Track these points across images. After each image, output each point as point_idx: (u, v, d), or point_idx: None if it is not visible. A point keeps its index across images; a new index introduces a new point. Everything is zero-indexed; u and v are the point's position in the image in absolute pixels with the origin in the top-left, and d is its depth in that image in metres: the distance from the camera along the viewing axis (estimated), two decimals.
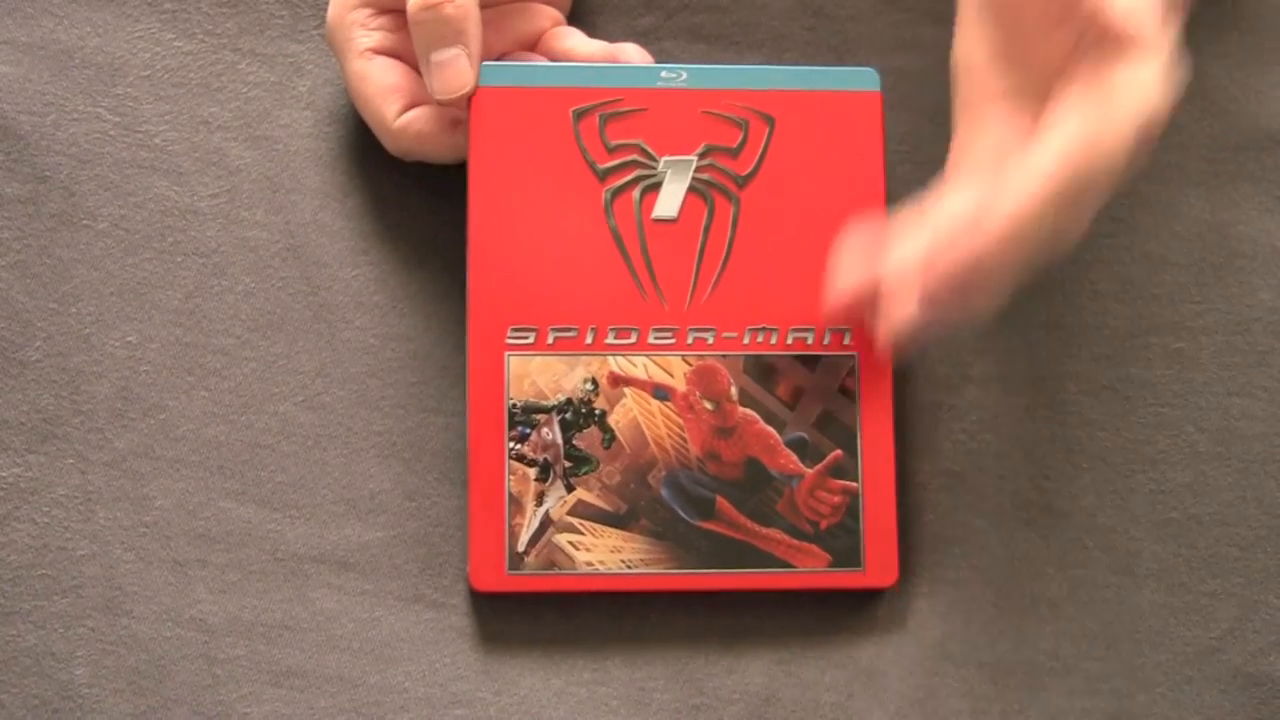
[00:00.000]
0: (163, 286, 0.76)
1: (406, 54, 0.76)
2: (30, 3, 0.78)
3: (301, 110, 0.79)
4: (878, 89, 0.76)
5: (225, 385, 0.75)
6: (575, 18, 0.80)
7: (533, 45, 0.78)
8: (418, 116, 0.75)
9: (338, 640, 0.73)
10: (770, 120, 0.76)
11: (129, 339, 0.75)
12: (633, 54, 0.77)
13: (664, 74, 0.76)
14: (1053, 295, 0.79)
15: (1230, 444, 0.78)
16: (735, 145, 0.75)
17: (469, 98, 0.74)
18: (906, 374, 0.77)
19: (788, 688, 0.74)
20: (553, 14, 0.79)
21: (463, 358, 0.76)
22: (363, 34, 0.75)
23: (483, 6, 0.76)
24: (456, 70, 0.73)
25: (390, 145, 0.76)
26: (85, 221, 0.76)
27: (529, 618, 0.74)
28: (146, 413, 0.75)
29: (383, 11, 0.75)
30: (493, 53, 0.77)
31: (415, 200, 0.78)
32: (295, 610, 0.73)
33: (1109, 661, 0.75)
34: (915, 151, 0.80)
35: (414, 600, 0.74)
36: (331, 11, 0.76)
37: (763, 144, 0.75)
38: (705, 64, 0.79)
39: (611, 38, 0.80)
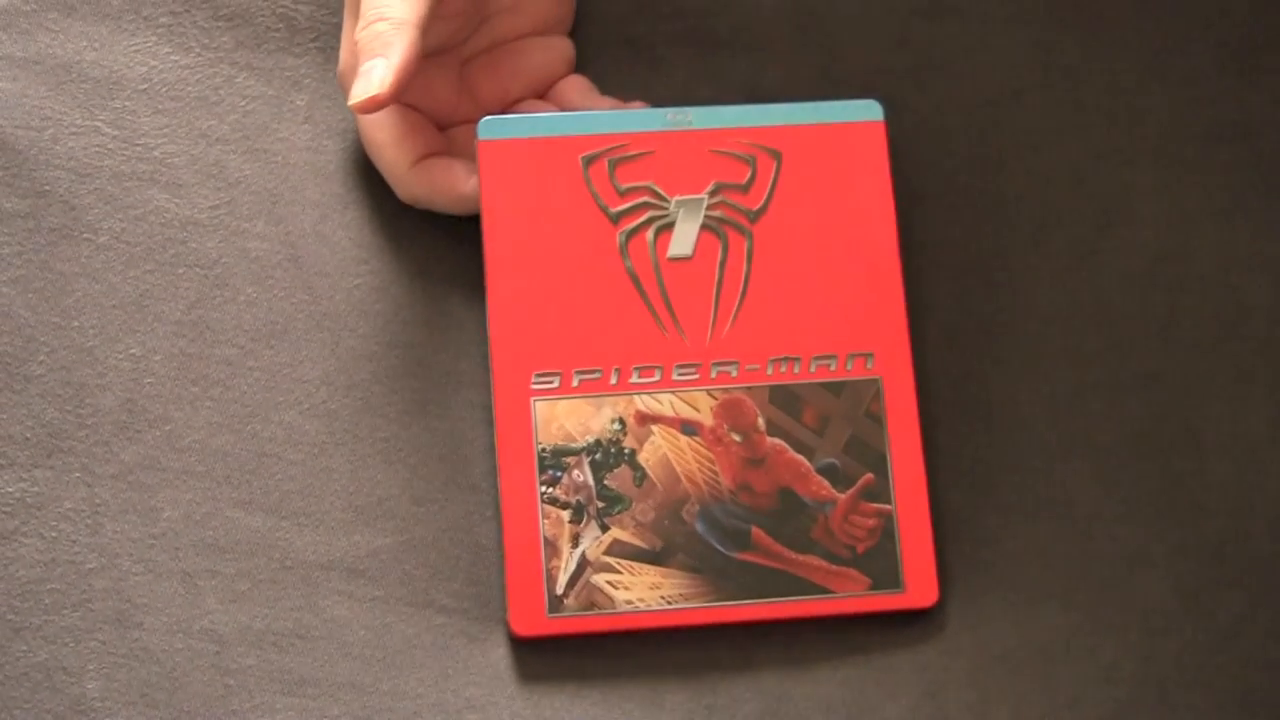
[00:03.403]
0: (165, 298, 0.76)
1: (421, 101, 0.76)
2: (26, 18, 0.78)
3: (300, 124, 0.79)
4: (881, 119, 0.77)
5: (230, 395, 0.75)
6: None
7: (545, 89, 0.78)
8: (432, 165, 0.75)
9: (349, 647, 0.73)
10: (777, 155, 0.76)
11: (132, 351, 0.75)
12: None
13: (669, 116, 0.76)
14: (1051, 289, 0.79)
15: (1235, 432, 0.78)
16: (744, 181, 0.76)
17: (381, 105, 0.71)
18: None
19: (800, 685, 0.74)
20: (561, 47, 0.79)
21: (464, 363, 0.76)
22: None
23: (490, 46, 0.76)
24: (370, 79, 0.71)
25: (401, 193, 0.76)
26: (86, 235, 0.76)
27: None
28: (152, 424, 0.74)
29: None
30: (510, 98, 0.78)
31: (414, 211, 0.78)
32: (306, 618, 0.73)
33: (1120, 651, 0.75)
34: (910, 149, 0.81)
35: (425, 605, 0.74)
36: (343, 58, 0.75)
37: (771, 179, 0.76)
38: (713, 100, 0.80)
39: (602, 46, 0.81)
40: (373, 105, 0.72)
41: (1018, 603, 0.76)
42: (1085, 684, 0.74)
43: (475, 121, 0.77)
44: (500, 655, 0.73)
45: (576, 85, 0.79)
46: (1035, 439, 0.78)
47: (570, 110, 0.78)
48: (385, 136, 0.75)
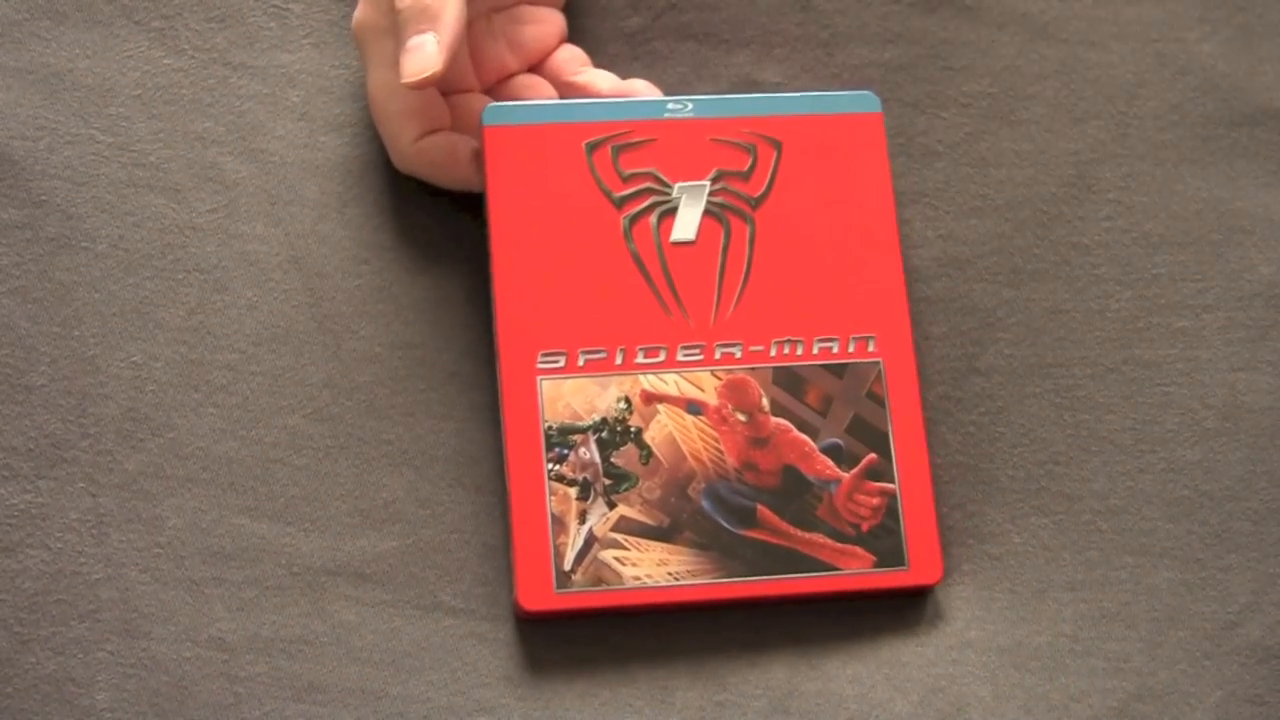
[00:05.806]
0: (165, 305, 0.76)
1: None
2: (17, 28, 0.78)
3: (295, 122, 0.79)
4: (879, 110, 0.78)
5: (233, 401, 0.75)
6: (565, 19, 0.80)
7: (540, 61, 0.78)
8: (434, 143, 0.75)
9: (358, 652, 0.73)
10: (777, 144, 0.77)
11: (134, 359, 0.75)
12: (641, 88, 0.78)
13: (670, 105, 0.77)
14: (1055, 281, 0.79)
15: (1238, 419, 0.78)
16: (745, 169, 0.77)
17: (433, 82, 0.73)
18: None
19: (810, 680, 0.74)
20: (555, 19, 0.79)
21: (468, 363, 0.76)
22: (393, 43, 0.75)
23: (487, 12, 0.76)
24: (424, 54, 0.73)
25: (400, 164, 0.76)
26: (84, 243, 0.76)
27: (551, 625, 0.74)
28: (155, 432, 0.74)
29: None
30: (507, 70, 0.78)
31: (413, 208, 0.78)
32: (314, 624, 0.73)
33: (1128, 641, 0.75)
34: (909, 143, 0.81)
35: (433, 608, 0.74)
36: (361, 10, 0.75)
37: (772, 167, 0.77)
38: (711, 94, 0.80)
39: (599, 40, 0.80)
40: (426, 82, 0.73)
41: (1025, 596, 0.76)
42: (1094, 676, 0.75)
43: (474, 90, 0.77)
44: (510, 656, 0.73)
45: (570, 57, 0.79)
46: (1038, 433, 0.78)
47: (566, 83, 0.78)
48: (398, 107, 0.75)
